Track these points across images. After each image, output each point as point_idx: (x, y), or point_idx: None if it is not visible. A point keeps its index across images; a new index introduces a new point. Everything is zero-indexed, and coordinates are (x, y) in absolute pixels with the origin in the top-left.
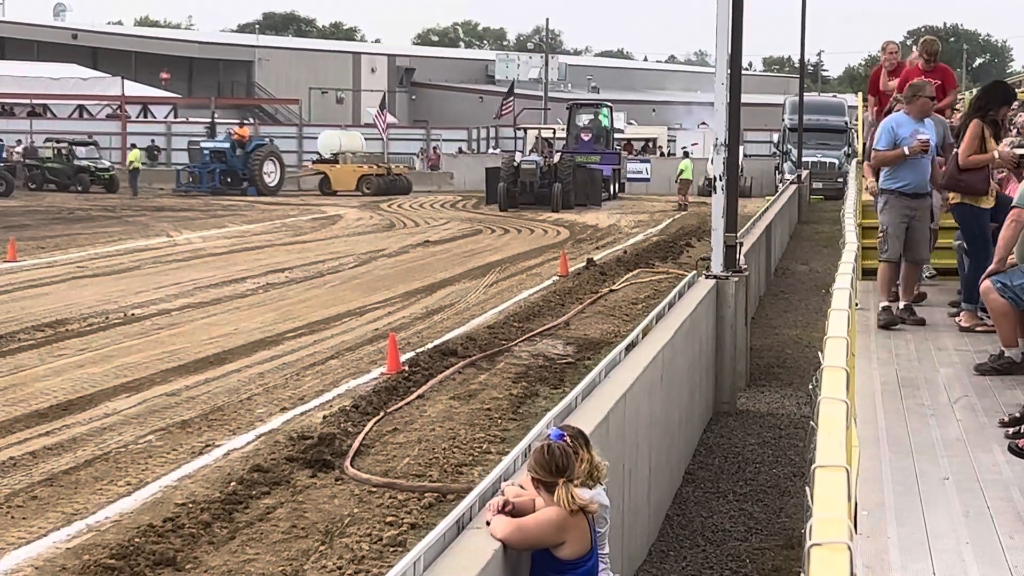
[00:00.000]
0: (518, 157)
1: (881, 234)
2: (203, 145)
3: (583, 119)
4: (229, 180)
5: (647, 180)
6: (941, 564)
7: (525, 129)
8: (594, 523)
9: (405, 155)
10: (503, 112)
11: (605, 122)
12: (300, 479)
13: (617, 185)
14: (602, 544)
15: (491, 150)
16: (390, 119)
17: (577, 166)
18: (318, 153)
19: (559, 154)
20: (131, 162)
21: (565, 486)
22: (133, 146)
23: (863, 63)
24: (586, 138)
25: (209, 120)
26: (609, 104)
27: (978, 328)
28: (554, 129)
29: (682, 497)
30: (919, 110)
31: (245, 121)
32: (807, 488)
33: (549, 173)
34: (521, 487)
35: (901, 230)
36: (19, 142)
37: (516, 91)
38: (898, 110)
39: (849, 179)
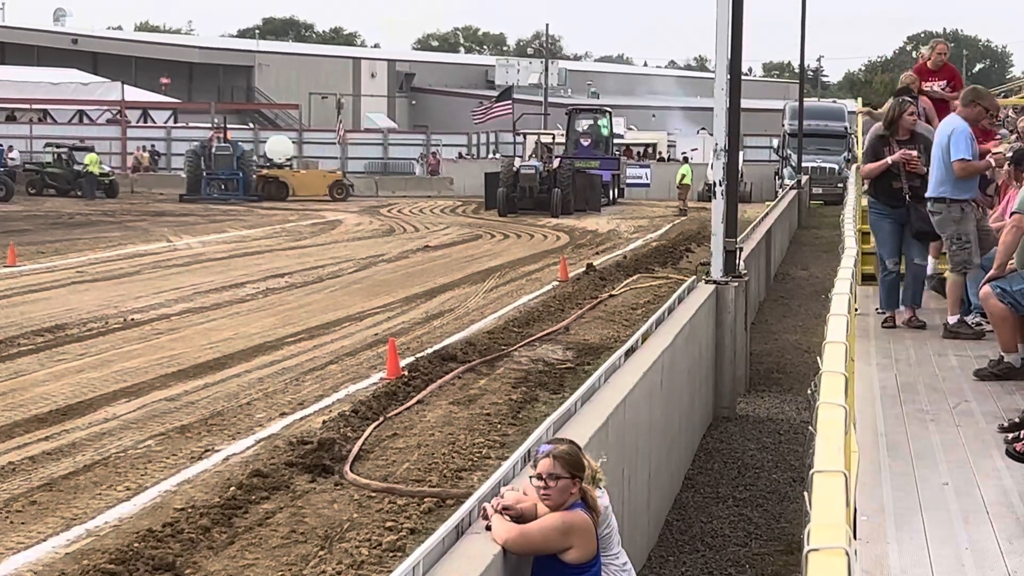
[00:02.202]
0: (517, 163)
1: (968, 245)
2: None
3: (582, 124)
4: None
5: (647, 185)
6: (940, 569)
7: (524, 134)
8: (598, 528)
9: (405, 160)
10: (491, 116)
11: (604, 128)
12: (299, 484)
13: (616, 190)
14: (610, 545)
15: (491, 155)
16: (389, 123)
17: (576, 171)
18: (267, 159)
19: (558, 159)
20: (86, 166)
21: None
22: (90, 149)
23: (863, 68)
24: (585, 143)
25: (220, 125)
26: (608, 109)
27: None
28: (553, 135)
29: (681, 502)
30: (975, 118)
31: (220, 124)
32: (806, 493)
33: (548, 179)
34: (524, 492)
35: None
36: (10, 148)
37: (516, 96)
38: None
39: (849, 184)
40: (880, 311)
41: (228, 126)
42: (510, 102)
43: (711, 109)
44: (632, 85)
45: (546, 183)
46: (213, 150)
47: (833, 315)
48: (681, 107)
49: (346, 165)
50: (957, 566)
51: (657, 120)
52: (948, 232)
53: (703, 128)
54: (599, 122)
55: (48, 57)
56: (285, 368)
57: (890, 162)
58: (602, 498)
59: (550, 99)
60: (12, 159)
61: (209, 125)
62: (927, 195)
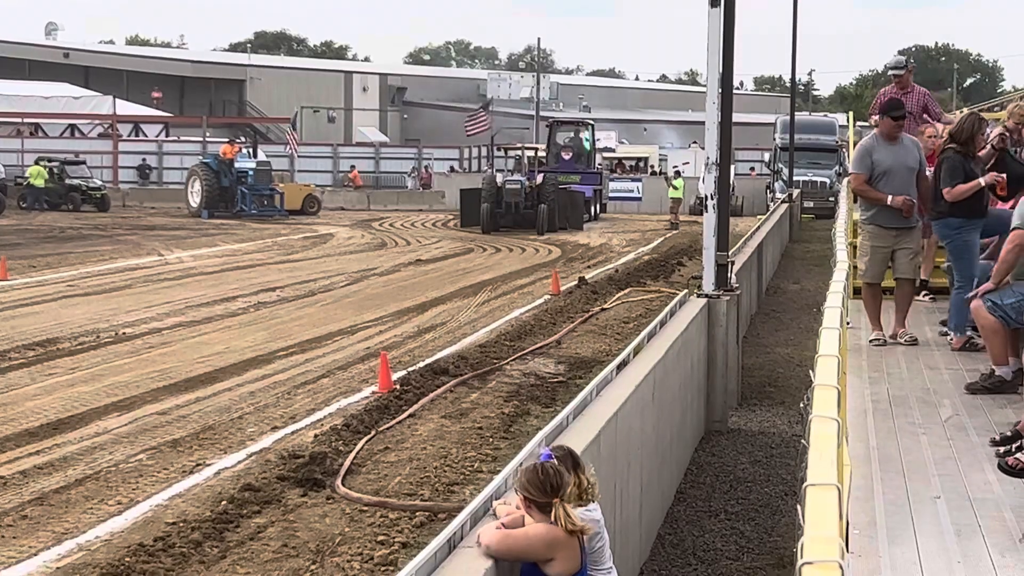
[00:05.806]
0: (500, 177)
1: None
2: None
3: (563, 137)
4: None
5: (638, 199)
6: None
7: (504, 148)
8: (585, 542)
9: (397, 174)
10: (473, 129)
11: (587, 140)
12: (291, 498)
13: (598, 206)
14: (601, 559)
15: (483, 169)
16: (381, 137)
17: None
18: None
19: (541, 175)
20: (29, 178)
21: (561, 505)
22: (36, 161)
23: (854, 82)
24: (567, 157)
25: (246, 141)
26: (591, 122)
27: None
28: (536, 148)
29: (673, 516)
30: None
31: (245, 140)
32: (798, 507)
33: (532, 194)
34: (516, 507)
35: None
36: None
37: (509, 110)
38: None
39: (840, 198)
40: (950, 332)
41: (217, 139)
42: (487, 115)
43: (703, 123)
44: (623, 99)
45: (530, 199)
46: (254, 165)
47: (825, 328)
48: (672, 121)
49: (340, 179)
50: None
51: (648, 134)
52: None
53: (695, 142)
54: (581, 135)
55: (39, 71)
56: (277, 382)
57: (983, 183)
58: (594, 512)
59: (542, 113)
60: None
61: (200, 139)
62: None
